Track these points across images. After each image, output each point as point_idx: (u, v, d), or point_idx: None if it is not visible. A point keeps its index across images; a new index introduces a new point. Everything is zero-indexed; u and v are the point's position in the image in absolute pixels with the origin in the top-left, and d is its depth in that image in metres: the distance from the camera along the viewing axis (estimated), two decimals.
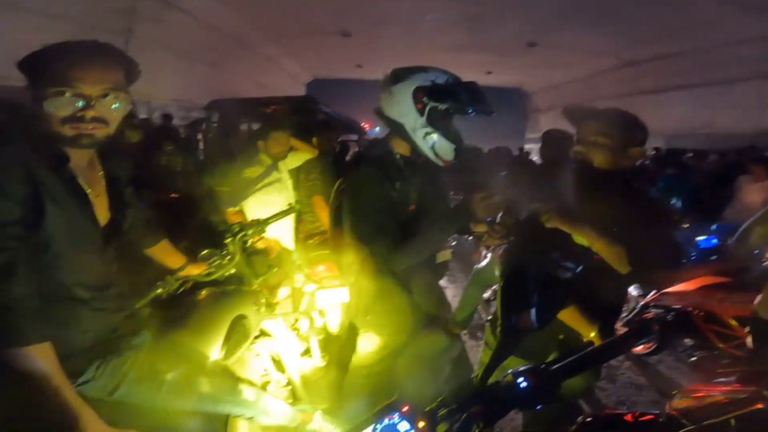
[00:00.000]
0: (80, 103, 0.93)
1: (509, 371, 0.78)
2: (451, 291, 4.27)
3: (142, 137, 4.25)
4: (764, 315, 1.84)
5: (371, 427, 0.78)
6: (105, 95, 0.95)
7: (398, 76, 1.46)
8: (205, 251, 1.60)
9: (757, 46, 6.97)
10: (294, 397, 1.76)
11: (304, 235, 2.83)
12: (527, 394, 0.75)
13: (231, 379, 1.34)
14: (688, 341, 2.89)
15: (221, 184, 2.59)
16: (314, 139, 2.99)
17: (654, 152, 7.14)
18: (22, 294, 0.87)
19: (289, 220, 2.68)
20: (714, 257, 2.99)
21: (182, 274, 1.50)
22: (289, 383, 1.78)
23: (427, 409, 0.78)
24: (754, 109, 7.47)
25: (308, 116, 3.78)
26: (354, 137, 4.83)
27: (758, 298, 1.92)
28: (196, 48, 8.53)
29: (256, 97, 5.26)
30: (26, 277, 0.89)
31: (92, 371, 1.05)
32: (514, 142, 10.47)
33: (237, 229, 1.64)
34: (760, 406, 0.96)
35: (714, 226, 3.29)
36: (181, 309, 1.44)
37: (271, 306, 1.82)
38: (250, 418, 1.34)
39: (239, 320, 1.50)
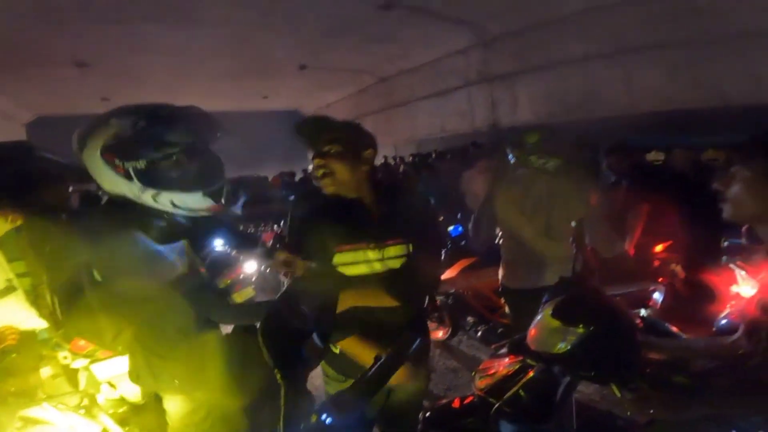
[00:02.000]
0: None
1: (313, 411, 0.74)
2: None
3: None
4: (509, 284, 2.20)
5: None
6: None
7: (80, 140, 1.20)
8: None
9: (463, 58, 9.01)
10: None
11: (48, 310, 2.13)
12: (337, 428, 0.71)
13: None
14: (470, 319, 3.29)
15: None
16: (44, 198, 2.24)
17: (411, 158, 8.33)
18: None
19: (19, 301, 2.02)
20: (463, 242, 3.59)
21: None
22: None
23: None
24: (467, 112, 9.84)
25: (22, 165, 2.81)
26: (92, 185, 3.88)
27: (500, 272, 2.28)
28: None
29: None
30: None
31: None
32: (299, 164, 10.74)
33: None
34: (531, 373, 1.13)
35: (459, 215, 3.95)
36: None
37: (25, 393, 1.56)
38: None
39: None
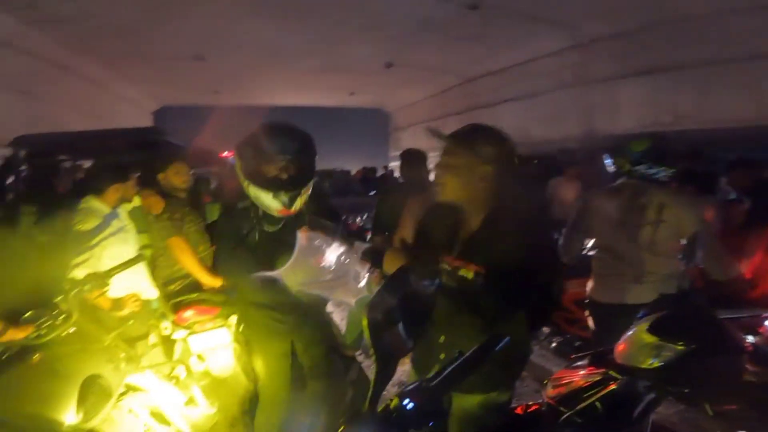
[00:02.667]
0: None
1: (395, 394, 0.79)
2: (339, 315, 4.27)
3: None
4: (597, 298, 2.11)
5: None
6: None
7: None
8: (30, 313, 1.37)
9: (557, 59, 8.51)
10: None
11: (162, 281, 2.50)
12: (416, 414, 0.75)
13: None
14: (545, 329, 3.22)
15: (47, 240, 2.15)
16: (161, 176, 2.65)
17: None
18: None
19: (144, 270, 2.38)
20: None
21: (3, 340, 1.31)
22: None
23: None
24: (557, 116, 9.23)
25: (152, 149, 3.30)
26: (208, 170, 4.39)
27: (589, 284, 2.18)
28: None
29: (82, 130, 4.35)
30: None
31: None
32: (380, 162, 10.90)
33: (68, 287, 1.47)
34: (613, 386, 1.11)
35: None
36: (10, 377, 1.26)
37: (133, 360, 1.66)
38: None
39: (93, 380, 1.37)
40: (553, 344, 3.17)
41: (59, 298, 1.43)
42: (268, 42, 8.60)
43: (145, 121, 12.26)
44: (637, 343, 1.12)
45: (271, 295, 1.65)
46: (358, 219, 4.93)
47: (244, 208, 1.66)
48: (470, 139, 1.32)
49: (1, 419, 1.09)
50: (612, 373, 1.15)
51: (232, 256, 1.67)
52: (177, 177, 2.64)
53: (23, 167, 4.02)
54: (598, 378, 1.20)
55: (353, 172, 9.83)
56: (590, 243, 2.26)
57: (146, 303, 2.30)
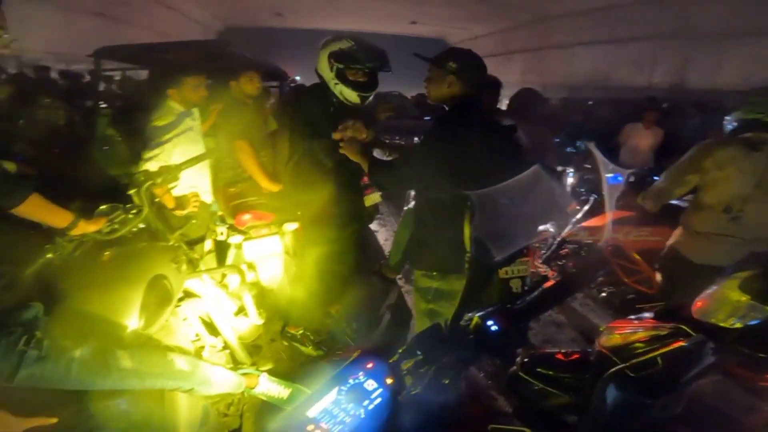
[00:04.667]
0: None
1: (476, 314, 0.76)
2: (383, 235, 4.28)
3: (13, 92, 3.63)
4: (691, 257, 1.90)
5: (335, 390, 0.71)
6: None
7: (323, 44, 2.00)
8: (104, 206, 1.38)
9: (651, 8, 7.59)
10: (234, 361, 1.64)
11: (223, 183, 2.60)
12: (498, 338, 0.73)
13: (157, 350, 1.17)
14: (600, 278, 2.98)
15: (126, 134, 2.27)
16: (233, 83, 2.69)
17: (561, 101, 7.72)
18: None
19: (206, 171, 2.46)
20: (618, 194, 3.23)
21: (75, 233, 1.29)
22: (225, 347, 1.64)
23: (391, 361, 0.73)
24: (645, 65, 8.26)
25: (221, 61, 3.39)
26: (275, 84, 4.47)
27: (675, 234, 1.98)
28: None
29: (156, 42, 4.57)
30: None
31: None
32: None
33: (142, 179, 1.43)
34: (682, 343, 1.03)
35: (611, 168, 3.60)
36: (81, 275, 1.23)
37: (193, 263, 1.65)
38: (190, 391, 1.17)
39: (157, 281, 1.31)
40: (602, 294, 2.96)
41: (132, 191, 1.43)
42: None
43: None
44: (721, 300, 1.01)
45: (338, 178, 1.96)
46: (415, 140, 4.92)
47: (319, 92, 2.04)
48: (442, 57, 1.71)
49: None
50: (684, 328, 1.05)
51: (320, 118, 1.98)
52: (249, 84, 2.69)
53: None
54: (665, 333, 1.09)
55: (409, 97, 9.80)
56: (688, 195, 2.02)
57: (205, 204, 2.38)
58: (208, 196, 2.47)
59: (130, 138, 2.31)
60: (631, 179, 2.85)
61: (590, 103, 7.39)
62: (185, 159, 1.75)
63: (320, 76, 2.04)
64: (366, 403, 0.70)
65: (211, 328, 1.64)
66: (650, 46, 8.08)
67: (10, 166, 1.41)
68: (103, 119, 2.82)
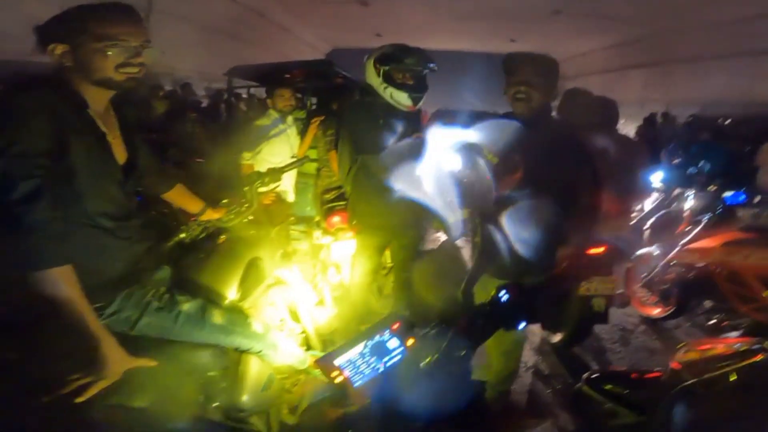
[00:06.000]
0: (130, 52, 1.09)
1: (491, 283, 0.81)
2: (470, 251, 4.27)
3: (169, 107, 4.47)
4: None
5: (362, 343, 0.79)
6: (143, 46, 1.11)
7: (367, 56, 2.08)
8: (226, 200, 1.67)
9: None
10: (307, 346, 1.81)
11: (321, 189, 2.92)
12: (508, 308, 0.78)
13: (241, 313, 1.39)
14: (708, 303, 2.75)
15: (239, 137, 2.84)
16: (335, 104, 3.06)
17: (690, 119, 6.91)
18: (46, 218, 0.94)
19: (292, 175, 2.87)
20: (739, 214, 2.85)
21: (203, 218, 1.58)
22: (303, 332, 1.83)
23: (416, 328, 0.79)
24: None
25: (325, 79, 3.82)
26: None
27: None
28: (216, 20, 8.56)
29: (274, 62, 5.29)
30: (51, 203, 0.96)
31: (117, 303, 1.13)
32: None
33: (254, 178, 1.70)
34: (759, 357, 0.95)
35: (743, 190, 3.16)
36: (201, 252, 1.51)
37: (287, 254, 1.89)
38: (260, 353, 1.37)
39: (255, 262, 1.55)
40: (711, 321, 2.69)
41: (246, 188, 1.66)
42: None
43: None
44: None
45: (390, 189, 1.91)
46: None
47: (371, 101, 2.07)
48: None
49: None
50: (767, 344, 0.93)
51: (367, 138, 2.00)
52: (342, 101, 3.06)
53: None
54: (745, 348, 1.00)
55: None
56: None
57: (287, 206, 2.81)
58: (291, 196, 2.90)
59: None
60: (757, 199, 2.51)
61: (728, 121, 6.48)
62: (280, 158, 2.07)
63: (367, 89, 2.09)
64: (386, 359, 0.78)
65: (294, 315, 1.83)
66: None
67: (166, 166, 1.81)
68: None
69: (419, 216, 2.12)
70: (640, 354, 2.72)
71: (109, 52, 1.06)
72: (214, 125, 4.66)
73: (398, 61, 1.99)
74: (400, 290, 2.30)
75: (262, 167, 2.29)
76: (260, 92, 5.98)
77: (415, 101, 2.03)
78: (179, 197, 1.57)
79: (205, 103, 6.15)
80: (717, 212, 2.80)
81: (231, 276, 1.47)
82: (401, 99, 2.01)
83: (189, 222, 1.57)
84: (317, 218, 2.66)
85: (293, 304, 1.84)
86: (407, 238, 2.24)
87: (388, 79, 2.00)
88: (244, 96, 6.44)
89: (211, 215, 1.62)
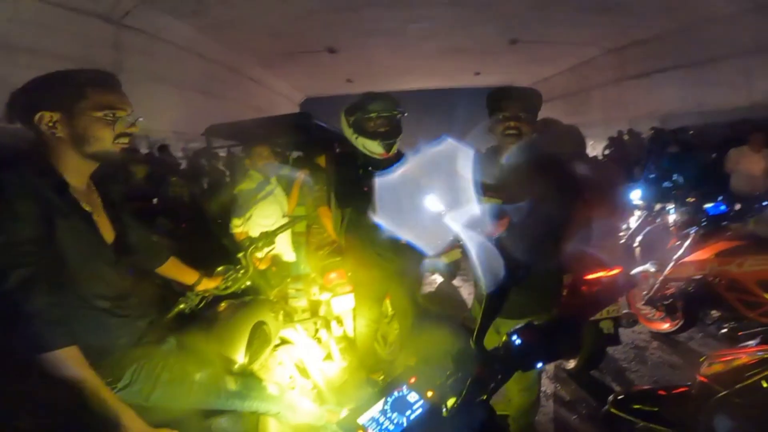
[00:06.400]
0: (126, 121, 1.06)
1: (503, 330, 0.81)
2: (467, 289, 4.27)
3: (148, 172, 4.41)
4: None
5: (382, 401, 0.79)
6: (133, 114, 1.09)
7: (341, 109, 2.09)
8: (221, 267, 1.66)
9: (738, 22, 7.03)
10: (321, 400, 1.79)
11: (314, 246, 2.89)
12: (523, 352, 0.78)
13: (256, 378, 1.38)
14: (715, 313, 2.77)
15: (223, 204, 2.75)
16: (320, 158, 3.12)
17: (651, 131, 7.34)
18: (44, 303, 0.92)
19: (286, 234, 2.79)
20: (724, 223, 2.94)
21: (200, 288, 1.56)
22: (314, 388, 1.80)
23: (434, 379, 0.80)
24: (741, 84, 7.51)
25: (304, 132, 3.86)
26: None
27: None
28: (186, 77, 8.68)
29: (251, 119, 5.35)
30: (47, 288, 0.94)
31: (129, 376, 1.10)
32: None
33: (247, 243, 1.70)
34: None
35: (720, 198, 3.27)
36: (203, 321, 1.49)
37: (289, 315, 1.88)
38: (277, 415, 1.35)
39: (259, 326, 1.54)
40: (723, 330, 2.70)
41: (240, 254, 1.66)
42: (392, 30, 8.84)
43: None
44: None
45: (380, 239, 1.92)
46: None
47: (350, 154, 2.08)
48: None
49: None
50: None
51: (349, 191, 2.01)
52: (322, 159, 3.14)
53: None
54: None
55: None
56: None
57: (285, 263, 2.72)
58: (289, 256, 2.81)
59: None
60: (737, 207, 2.63)
61: (690, 132, 6.85)
62: (271, 220, 2.05)
63: (345, 138, 2.10)
64: (408, 413, 0.78)
65: (303, 372, 1.80)
66: (746, 63, 7.37)
67: (156, 238, 1.78)
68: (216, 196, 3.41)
69: (414, 261, 2.13)
70: (662, 370, 2.72)
71: (110, 121, 1.02)
72: (197, 187, 4.62)
73: (363, 109, 1.98)
74: (405, 336, 2.26)
75: (254, 231, 2.27)
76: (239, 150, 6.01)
77: (387, 148, 2.00)
78: (173, 270, 1.54)
79: (184, 164, 6.09)
80: (702, 224, 2.89)
81: (237, 342, 1.45)
82: (372, 147, 1.99)
83: (187, 293, 1.55)
84: (313, 275, 2.63)
85: (301, 361, 1.81)
86: (405, 284, 2.22)
87: (358, 129, 1.99)
88: (223, 155, 6.45)
89: (208, 285, 1.59)
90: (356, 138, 2.01)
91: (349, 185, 2.00)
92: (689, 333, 3.01)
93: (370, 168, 1.99)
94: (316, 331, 2.09)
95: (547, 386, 2.47)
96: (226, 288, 1.62)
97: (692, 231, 2.85)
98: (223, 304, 1.58)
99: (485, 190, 1.49)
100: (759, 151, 4.26)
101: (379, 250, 2.04)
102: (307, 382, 1.79)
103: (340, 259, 2.60)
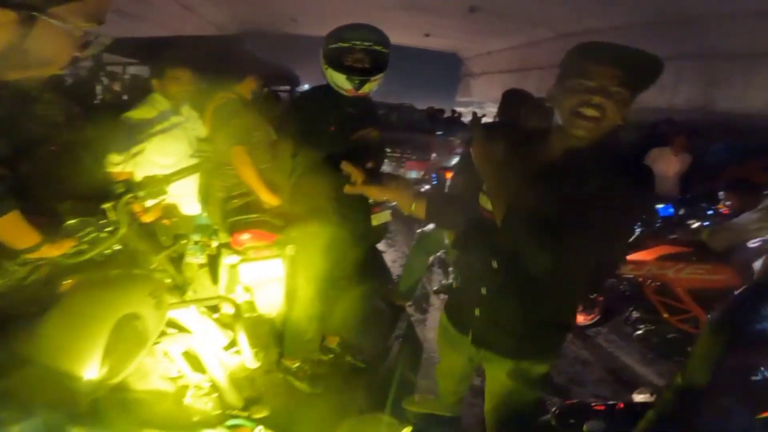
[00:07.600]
0: None
1: None
2: (391, 255, 4.00)
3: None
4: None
5: None
6: None
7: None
8: (73, 221, 1.10)
9: (676, 27, 7.41)
10: (222, 405, 1.39)
11: (222, 193, 2.33)
12: None
13: (124, 425, 0.93)
14: (636, 314, 2.82)
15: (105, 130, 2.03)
16: (239, 86, 2.49)
17: None
18: None
19: (193, 178, 2.20)
20: (671, 226, 2.98)
21: (33, 256, 1.03)
22: (213, 387, 1.40)
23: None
24: (669, 86, 8.01)
25: (233, 59, 3.18)
26: (286, 88, 4.29)
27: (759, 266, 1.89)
28: None
29: (168, 35, 4.40)
30: None
31: None
32: (447, 104, 10.87)
33: (122, 190, 1.16)
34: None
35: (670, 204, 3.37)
36: (26, 313, 0.96)
37: (180, 289, 1.39)
38: None
39: (128, 322, 1.05)
40: (639, 332, 2.76)
41: (107, 205, 1.12)
42: None
43: None
44: None
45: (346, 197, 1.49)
46: (432, 156, 4.71)
47: (319, 88, 1.84)
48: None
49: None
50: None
51: (312, 129, 1.75)
52: (251, 86, 2.52)
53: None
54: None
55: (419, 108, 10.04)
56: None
57: (188, 217, 2.09)
58: (193, 207, 2.22)
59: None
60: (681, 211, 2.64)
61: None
62: (168, 160, 1.51)
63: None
64: None
65: (196, 364, 1.39)
66: (673, 67, 7.86)
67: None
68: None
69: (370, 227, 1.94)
70: (575, 367, 2.70)
71: None
72: (79, 110, 3.69)
73: (340, 37, 1.72)
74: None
75: (143, 172, 1.63)
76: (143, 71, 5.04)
77: (357, 85, 1.72)
78: (6, 230, 1.03)
79: (70, 81, 4.95)
80: (656, 225, 2.90)
81: (89, 345, 0.94)
82: (340, 81, 1.73)
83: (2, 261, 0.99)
84: (215, 227, 2.09)
85: (192, 351, 1.39)
86: (356, 251, 1.94)
87: (330, 60, 1.73)
88: (122, 75, 5.33)
89: (50, 252, 1.06)
90: (326, 69, 1.76)
91: (312, 123, 1.75)
92: (599, 329, 3.05)
93: (336, 107, 1.78)
94: (218, 304, 1.61)
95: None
96: (78, 253, 1.07)
97: (637, 230, 2.80)
98: (69, 280, 1.06)
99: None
100: (677, 153, 4.44)
101: (343, 210, 1.76)
102: (203, 378, 1.39)
103: (257, 215, 2.12)
